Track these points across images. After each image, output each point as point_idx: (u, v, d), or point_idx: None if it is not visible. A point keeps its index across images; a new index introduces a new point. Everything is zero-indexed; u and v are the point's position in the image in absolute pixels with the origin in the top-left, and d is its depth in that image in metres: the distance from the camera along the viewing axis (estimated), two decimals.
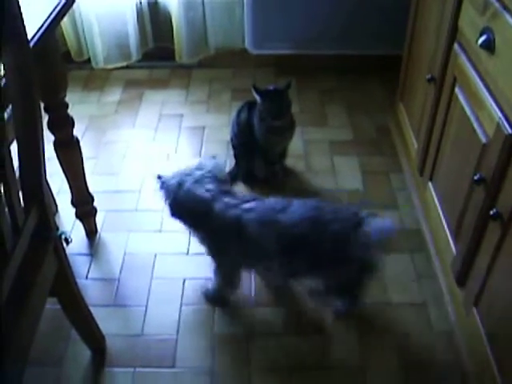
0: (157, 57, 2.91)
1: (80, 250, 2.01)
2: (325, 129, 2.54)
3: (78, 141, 1.83)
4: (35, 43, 1.34)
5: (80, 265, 1.95)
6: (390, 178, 2.26)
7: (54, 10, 1.47)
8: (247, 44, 2.76)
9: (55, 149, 1.80)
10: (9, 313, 1.14)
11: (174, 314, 1.77)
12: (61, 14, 1.50)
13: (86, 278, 1.91)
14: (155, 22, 2.81)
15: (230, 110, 2.65)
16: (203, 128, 2.56)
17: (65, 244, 1.42)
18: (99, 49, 2.73)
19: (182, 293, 1.85)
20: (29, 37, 1.23)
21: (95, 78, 2.85)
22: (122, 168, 2.37)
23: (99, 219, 2.10)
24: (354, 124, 2.57)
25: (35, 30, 1.37)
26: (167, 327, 1.73)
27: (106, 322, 1.73)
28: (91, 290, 1.87)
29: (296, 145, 2.43)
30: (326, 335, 1.70)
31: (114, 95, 2.76)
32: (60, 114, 1.74)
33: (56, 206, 2.13)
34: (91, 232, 2.06)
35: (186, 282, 1.88)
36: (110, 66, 2.83)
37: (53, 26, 1.46)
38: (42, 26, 1.40)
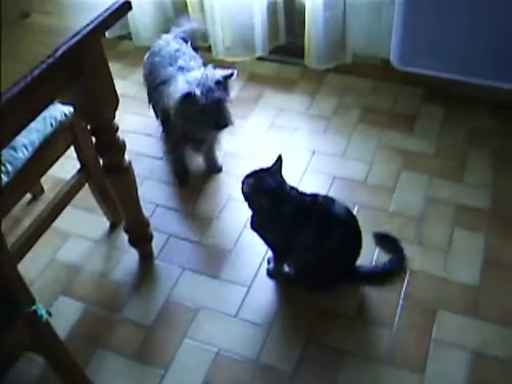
0: (289, 53, 2.54)
1: (125, 277, 1.81)
2: (458, 185, 1.99)
3: (129, 165, 1.59)
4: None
5: (120, 295, 1.76)
6: None
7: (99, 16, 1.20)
8: (393, 58, 2.25)
9: (105, 172, 1.59)
10: None
11: None
12: (104, 24, 1.22)
13: (119, 313, 1.71)
14: (289, 16, 2.43)
15: (351, 136, 2.22)
16: (313, 152, 2.17)
17: (46, 317, 1.18)
18: (219, 38, 2.43)
19: (210, 366, 1.56)
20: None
21: (217, 67, 2.55)
22: (206, 187, 2.10)
23: (159, 242, 1.88)
24: (499, 186, 1.98)
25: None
26: None
27: (118, 375, 1.56)
28: (119, 331, 1.67)
29: (414, 200, 1.95)
30: None
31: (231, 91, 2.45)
32: (107, 138, 1.49)
33: None
34: (146, 257, 1.85)
35: (220, 353, 1.59)
36: (229, 59, 2.52)
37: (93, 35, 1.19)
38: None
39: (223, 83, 1.81)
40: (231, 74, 1.82)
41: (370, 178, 2.05)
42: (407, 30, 2.17)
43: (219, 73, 1.82)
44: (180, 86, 1.78)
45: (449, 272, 1.74)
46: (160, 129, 2.05)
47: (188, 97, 1.74)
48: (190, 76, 1.81)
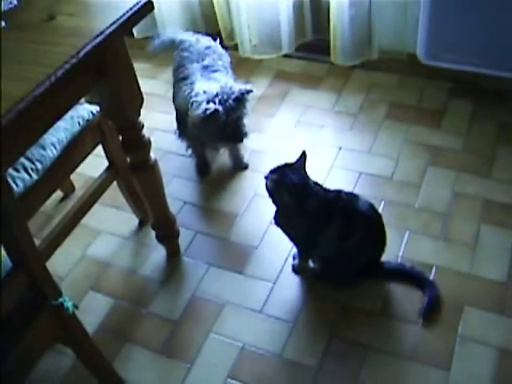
0: (315, 50, 2.54)
1: (153, 273, 1.84)
2: (485, 181, 1.96)
3: (155, 163, 1.61)
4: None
5: (147, 290, 1.80)
6: None
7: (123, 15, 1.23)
8: (419, 52, 2.23)
9: (131, 170, 1.62)
10: None
11: None
12: (127, 24, 1.24)
13: (147, 308, 1.75)
14: (315, 13, 2.43)
15: (377, 133, 2.20)
16: (339, 148, 2.17)
17: (73, 309, 1.22)
18: (246, 37, 2.45)
19: (235, 361, 1.58)
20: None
21: (244, 65, 2.57)
22: (230, 185, 2.12)
23: (186, 239, 1.91)
24: None
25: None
26: None
27: (145, 368, 1.60)
28: (146, 325, 1.71)
29: (441, 196, 1.93)
30: None
31: (259, 88, 2.46)
32: (133, 136, 1.52)
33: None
34: (173, 253, 1.88)
35: (245, 348, 1.61)
36: (256, 57, 2.53)
37: (116, 35, 1.22)
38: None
39: (241, 99, 1.83)
40: (250, 91, 1.83)
41: (396, 173, 2.04)
42: (433, 24, 2.14)
43: (238, 88, 1.82)
44: (202, 102, 1.79)
45: (475, 268, 1.72)
46: (175, 125, 2.09)
47: (211, 115, 1.77)
48: (208, 89, 1.82)
